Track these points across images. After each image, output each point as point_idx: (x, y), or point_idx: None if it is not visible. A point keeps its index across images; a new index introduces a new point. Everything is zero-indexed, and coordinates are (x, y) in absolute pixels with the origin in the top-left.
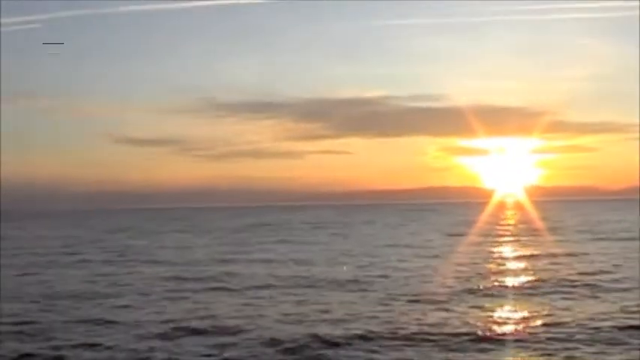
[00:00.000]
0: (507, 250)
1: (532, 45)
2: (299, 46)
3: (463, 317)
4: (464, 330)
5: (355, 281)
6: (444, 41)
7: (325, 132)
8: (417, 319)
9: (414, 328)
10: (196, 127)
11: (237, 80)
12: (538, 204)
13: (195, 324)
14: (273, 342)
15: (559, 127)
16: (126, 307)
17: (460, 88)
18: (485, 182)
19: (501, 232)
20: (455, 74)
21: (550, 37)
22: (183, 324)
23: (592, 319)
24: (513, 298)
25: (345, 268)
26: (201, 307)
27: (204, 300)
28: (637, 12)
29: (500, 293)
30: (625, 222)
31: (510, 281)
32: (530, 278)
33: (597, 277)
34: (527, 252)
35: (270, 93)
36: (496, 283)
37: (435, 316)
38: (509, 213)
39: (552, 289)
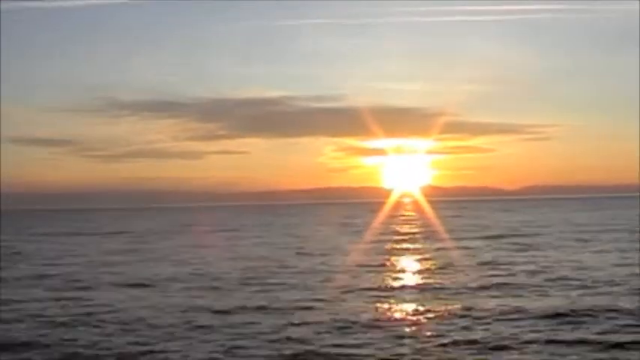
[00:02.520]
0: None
1: (430, 47)
2: (200, 45)
3: None
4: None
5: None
6: (344, 42)
7: (225, 132)
8: None
9: None
10: (95, 127)
11: (137, 79)
12: (433, 204)
13: None
14: None
15: (456, 127)
16: None
17: (359, 89)
18: (384, 182)
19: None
20: (354, 75)
21: (448, 39)
22: None
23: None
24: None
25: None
26: None
27: None
28: (534, 15)
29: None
30: (511, 221)
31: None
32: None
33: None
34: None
35: (170, 92)
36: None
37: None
38: (396, 213)
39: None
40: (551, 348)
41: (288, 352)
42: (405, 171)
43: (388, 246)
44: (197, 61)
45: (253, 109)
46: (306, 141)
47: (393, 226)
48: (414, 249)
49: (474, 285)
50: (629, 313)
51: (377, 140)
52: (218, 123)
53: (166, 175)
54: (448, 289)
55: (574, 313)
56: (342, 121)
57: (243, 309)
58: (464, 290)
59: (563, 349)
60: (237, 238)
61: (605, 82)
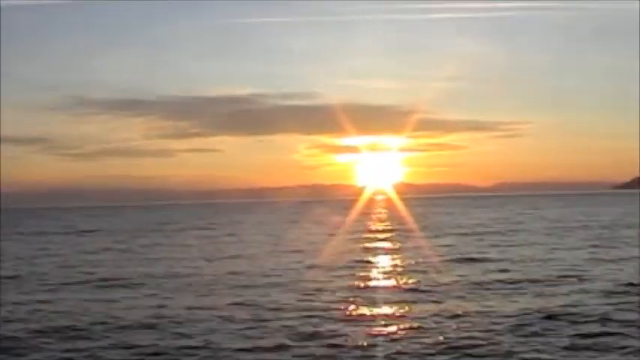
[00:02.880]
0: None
1: (403, 44)
2: (170, 44)
3: None
4: None
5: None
6: (316, 40)
7: (196, 130)
8: None
9: None
10: (66, 125)
11: (108, 77)
12: (406, 201)
13: None
14: None
15: (428, 125)
16: None
17: (332, 87)
18: (357, 180)
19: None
20: (327, 73)
21: (420, 37)
22: None
23: None
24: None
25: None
26: None
27: None
28: (507, 13)
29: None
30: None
31: None
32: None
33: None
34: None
35: (141, 90)
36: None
37: None
38: (364, 211)
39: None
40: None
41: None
42: (377, 168)
43: (360, 244)
44: (167, 60)
45: (225, 107)
46: (279, 139)
47: (366, 223)
48: (387, 247)
49: (448, 285)
50: (601, 316)
51: (350, 138)
52: (190, 121)
53: (139, 174)
54: (421, 290)
55: (547, 314)
56: (315, 118)
57: (214, 308)
58: (438, 290)
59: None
60: (209, 237)
61: (576, 80)
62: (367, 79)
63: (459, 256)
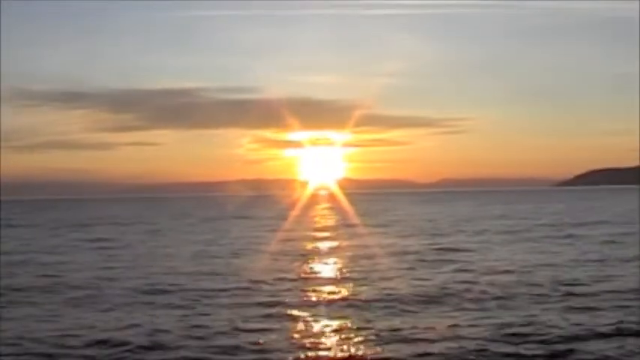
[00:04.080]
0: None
1: (347, 39)
2: (111, 35)
3: None
4: None
5: None
6: (260, 34)
7: (137, 123)
8: None
9: None
10: (4, 117)
11: (47, 69)
12: (349, 196)
13: None
14: None
15: (372, 120)
16: None
17: (275, 81)
18: (301, 175)
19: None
20: (269, 67)
21: (365, 32)
22: None
23: None
24: None
25: None
26: None
27: None
28: (451, 10)
29: None
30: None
31: None
32: None
33: None
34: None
35: (81, 82)
36: None
37: None
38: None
39: None
40: None
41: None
42: (321, 163)
43: (300, 242)
44: (107, 52)
45: (165, 100)
46: (221, 133)
47: (308, 219)
48: (328, 246)
49: (385, 292)
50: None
51: (293, 133)
52: (130, 114)
53: (79, 167)
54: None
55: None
56: (258, 113)
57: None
58: (379, 299)
59: None
60: (140, 232)
61: (519, 77)
62: (311, 74)
63: (400, 257)
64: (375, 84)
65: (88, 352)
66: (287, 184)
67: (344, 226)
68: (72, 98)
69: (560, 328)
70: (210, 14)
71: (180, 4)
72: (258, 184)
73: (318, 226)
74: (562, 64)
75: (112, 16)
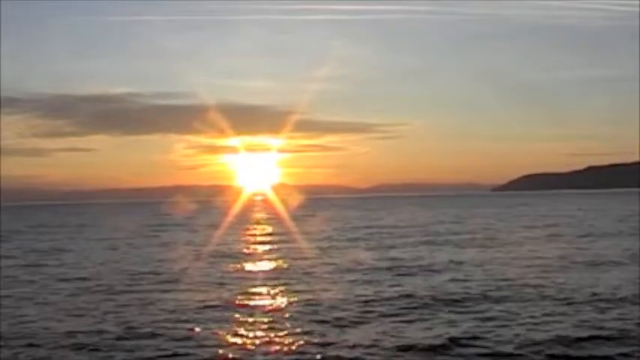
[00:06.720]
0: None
1: (280, 45)
2: (43, 40)
3: None
4: None
5: None
6: (192, 39)
7: (71, 129)
8: None
9: None
10: None
11: None
12: (284, 202)
13: None
14: None
15: (306, 126)
16: None
17: (209, 86)
18: (236, 181)
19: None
20: (203, 72)
21: (299, 37)
22: None
23: None
24: None
25: None
26: None
27: None
28: (386, 16)
29: None
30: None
31: None
32: None
33: None
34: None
35: (13, 88)
36: None
37: None
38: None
39: None
40: None
41: None
42: (256, 169)
43: (234, 249)
44: (38, 57)
45: (98, 105)
46: (155, 138)
47: (242, 225)
48: (263, 252)
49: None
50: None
51: (228, 138)
52: (64, 120)
53: (12, 173)
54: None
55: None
56: (192, 118)
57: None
58: (316, 312)
59: None
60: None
61: (453, 83)
62: (244, 79)
63: (339, 264)
64: (309, 89)
65: None
66: (223, 190)
67: (276, 233)
68: (5, 104)
69: None
70: (144, 19)
71: (112, 9)
72: (193, 190)
73: (249, 233)
74: (496, 70)
75: (40, 22)
